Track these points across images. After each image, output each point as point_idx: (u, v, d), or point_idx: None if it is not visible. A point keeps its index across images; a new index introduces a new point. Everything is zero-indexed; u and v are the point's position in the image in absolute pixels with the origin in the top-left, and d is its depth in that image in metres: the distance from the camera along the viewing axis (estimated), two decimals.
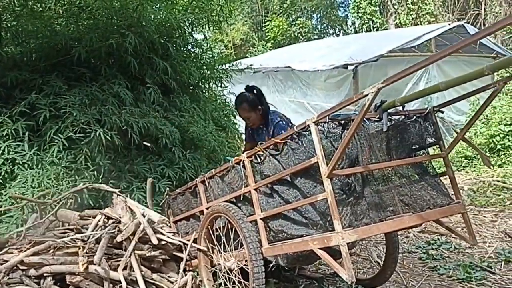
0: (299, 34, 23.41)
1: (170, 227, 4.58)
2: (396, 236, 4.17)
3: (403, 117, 3.45)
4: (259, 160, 3.51)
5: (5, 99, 5.00)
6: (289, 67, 12.19)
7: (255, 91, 4.49)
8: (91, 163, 4.90)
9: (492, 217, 6.08)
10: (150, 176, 5.42)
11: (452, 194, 3.53)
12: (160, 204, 5.04)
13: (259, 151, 3.46)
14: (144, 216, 4.12)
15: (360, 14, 18.58)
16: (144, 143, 5.16)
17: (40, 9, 5.24)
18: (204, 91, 7.27)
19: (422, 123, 3.51)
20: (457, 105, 11.44)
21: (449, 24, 11.32)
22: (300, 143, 3.16)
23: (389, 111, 3.34)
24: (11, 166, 4.58)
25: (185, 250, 4.10)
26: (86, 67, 5.50)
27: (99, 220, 4.02)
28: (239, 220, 3.55)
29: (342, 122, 3.15)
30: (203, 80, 7.27)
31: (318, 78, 11.37)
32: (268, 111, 4.54)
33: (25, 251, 3.63)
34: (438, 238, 5.55)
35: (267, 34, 24.08)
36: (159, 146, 5.73)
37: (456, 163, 8.94)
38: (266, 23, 24.33)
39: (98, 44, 5.28)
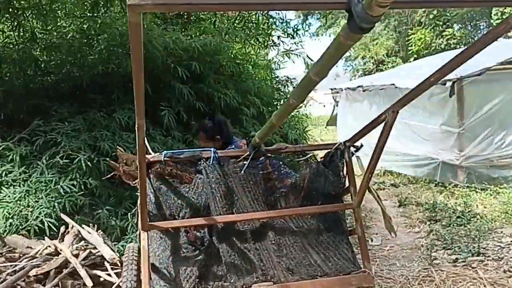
0: (446, 46, 21.16)
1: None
2: None
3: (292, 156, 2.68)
4: None
5: (19, 125, 5.38)
6: (393, 84, 11.00)
7: (214, 122, 4.11)
8: (84, 187, 4.97)
9: None
10: None
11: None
12: None
13: None
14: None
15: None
16: None
17: (60, 41, 5.56)
18: (248, 114, 6.91)
19: (325, 164, 2.70)
20: None
21: None
22: None
23: (271, 147, 2.66)
24: None
25: None
26: (99, 93, 5.66)
27: (38, 250, 4.00)
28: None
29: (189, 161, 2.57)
30: (247, 103, 6.95)
31: (421, 96, 10.00)
32: (230, 142, 4.08)
33: None
34: None
35: (409, 48, 22.34)
36: None
37: None
38: (410, 37, 22.60)
39: (102, 70, 5.39)
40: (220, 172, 2.55)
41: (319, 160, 2.80)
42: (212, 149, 2.58)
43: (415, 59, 21.75)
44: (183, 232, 2.55)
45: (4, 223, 4.69)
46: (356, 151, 2.74)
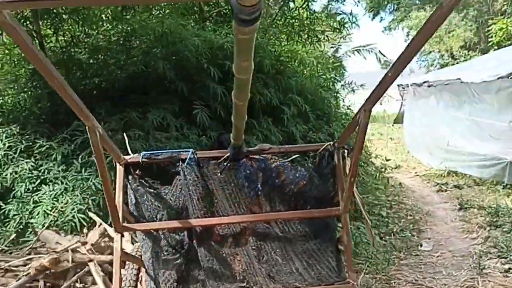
0: None
1: None
2: None
3: (274, 157, 2.53)
4: None
5: (64, 125, 5.64)
6: (459, 79, 10.31)
7: (217, 142, 4.18)
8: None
9: None
10: None
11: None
12: None
13: None
14: None
15: None
16: None
17: (103, 44, 5.78)
18: (289, 113, 6.76)
19: (312, 166, 2.53)
20: None
21: None
22: None
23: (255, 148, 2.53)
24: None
25: None
26: (136, 93, 5.82)
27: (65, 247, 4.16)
28: None
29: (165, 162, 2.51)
30: (288, 102, 6.82)
31: (488, 90, 9.29)
32: None
33: None
34: None
35: (489, 39, 20.82)
36: None
37: None
38: (490, 27, 21.06)
39: (139, 71, 5.53)
40: (198, 173, 2.47)
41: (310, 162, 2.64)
42: (190, 150, 2.51)
43: (495, 50, 20.29)
44: (161, 235, 2.51)
45: (44, 219, 4.93)
46: (348, 153, 2.54)
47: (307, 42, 6.93)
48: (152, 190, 2.49)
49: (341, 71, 9.80)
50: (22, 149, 5.45)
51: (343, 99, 8.81)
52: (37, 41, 5.76)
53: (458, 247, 6.31)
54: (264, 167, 2.52)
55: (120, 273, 2.30)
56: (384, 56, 20.21)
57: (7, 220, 4.93)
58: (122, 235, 2.34)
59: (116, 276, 2.29)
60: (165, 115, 5.57)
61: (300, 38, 6.82)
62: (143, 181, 2.50)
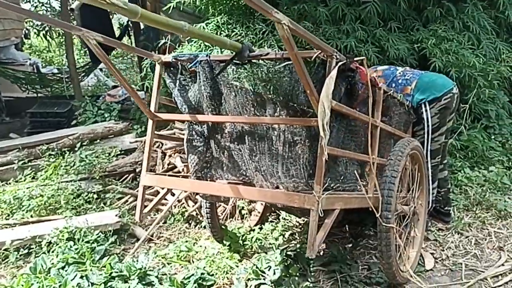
0: None
1: None
2: None
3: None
4: None
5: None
6: None
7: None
8: None
9: None
10: None
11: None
12: None
13: None
14: None
15: None
16: None
17: None
18: None
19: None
20: None
21: None
22: None
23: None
24: None
25: None
26: None
27: None
28: None
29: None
30: None
31: None
32: None
33: None
34: None
35: None
36: None
37: None
38: None
39: None
40: (209, 75, 2.66)
41: None
42: (206, 53, 2.70)
43: None
44: (194, 125, 2.89)
45: None
46: (344, 64, 2.26)
47: None
48: (180, 87, 2.86)
49: None
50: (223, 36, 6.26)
51: None
52: None
53: None
54: (262, 71, 2.53)
55: (150, 153, 2.87)
56: None
57: None
58: (154, 122, 2.86)
59: (146, 156, 2.87)
60: (339, 6, 5.44)
61: None
62: (175, 78, 2.87)
